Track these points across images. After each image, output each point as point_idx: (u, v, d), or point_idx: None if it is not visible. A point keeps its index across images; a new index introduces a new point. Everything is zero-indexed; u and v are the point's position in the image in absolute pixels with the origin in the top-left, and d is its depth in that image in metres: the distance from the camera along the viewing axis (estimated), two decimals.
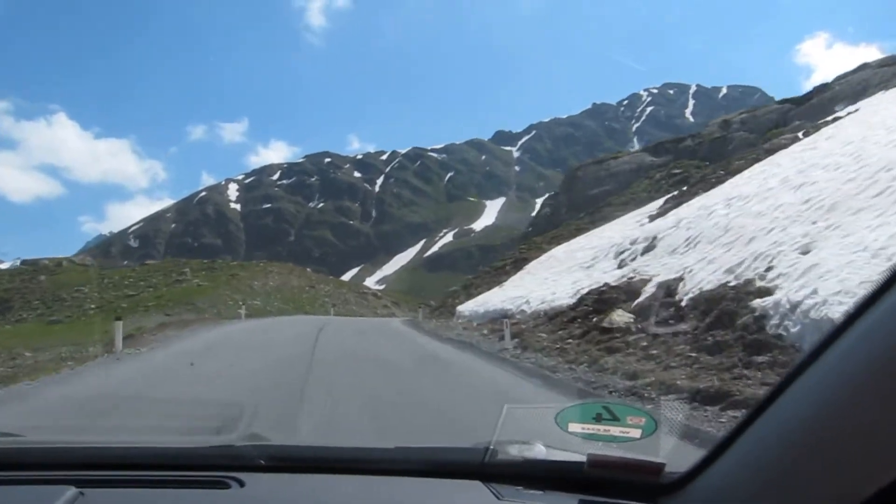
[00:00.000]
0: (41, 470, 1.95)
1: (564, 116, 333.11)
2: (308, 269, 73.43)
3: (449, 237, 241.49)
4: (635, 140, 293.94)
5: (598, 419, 1.84)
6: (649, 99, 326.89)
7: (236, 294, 49.36)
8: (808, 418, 1.21)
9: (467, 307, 29.50)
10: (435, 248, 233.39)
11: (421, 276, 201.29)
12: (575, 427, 1.85)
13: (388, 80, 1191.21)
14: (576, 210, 49.78)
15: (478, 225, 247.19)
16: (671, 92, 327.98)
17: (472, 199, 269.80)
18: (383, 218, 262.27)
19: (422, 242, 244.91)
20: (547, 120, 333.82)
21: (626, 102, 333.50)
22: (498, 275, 35.63)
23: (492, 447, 1.87)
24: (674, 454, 1.76)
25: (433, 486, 1.88)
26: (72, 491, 1.70)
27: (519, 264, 34.57)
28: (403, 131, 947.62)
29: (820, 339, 1.19)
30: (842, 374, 1.14)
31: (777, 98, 58.17)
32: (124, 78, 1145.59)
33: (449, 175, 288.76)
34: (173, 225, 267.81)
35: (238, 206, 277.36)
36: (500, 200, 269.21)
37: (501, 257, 44.32)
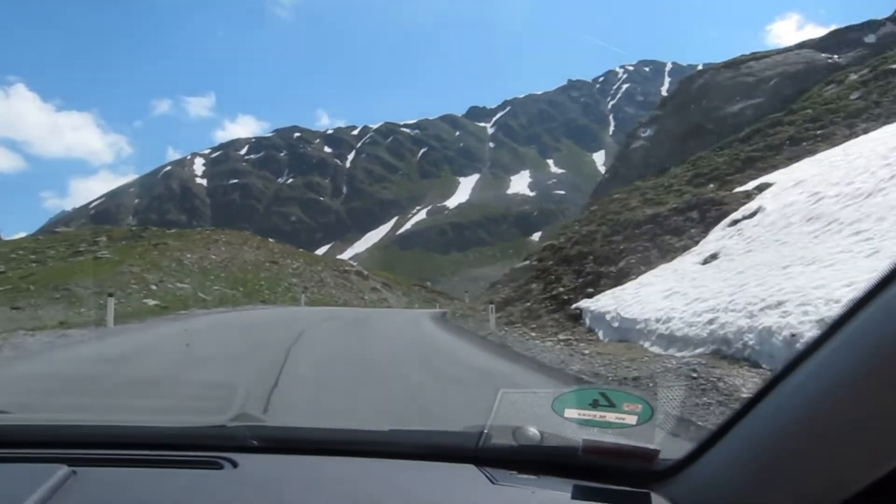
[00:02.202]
0: (32, 448, 1.84)
1: (540, 92, 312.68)
2: (271, 240, 53.93)
3: (422, 214, 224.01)
4: (611, 118, 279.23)
5: (594, 405, 1.77)
6: (625, 76, 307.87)
7: (152, 272, 30.00)
8: (801, 412, 1.18)
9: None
10: (408, 226, 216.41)
11: (394, 254, 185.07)
12: (571, 413, 1.77)
13: (360, 55, 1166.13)
14: (699, 136, 31.08)
15: (451, 202, 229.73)
16: (647, 69, 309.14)
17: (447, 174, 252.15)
18: (354, 194, 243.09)
19: (394, 219, 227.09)
20: (522, 96, 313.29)
21: (601, 79, 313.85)
22: (652, 234, 16.91)
23: (486, 431, 1.79)
24: (669, 441, 1.71)
25: (427, 469, 1.80)
26: (64, 469, 1.61)
27: (704, 211, 15.97)
28: (375, 107, 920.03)
29: (816, 334, 1.17)
30: (837, 370, 1.12)
31: None
32: (86, 49, 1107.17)
33: (422, 151, 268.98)
34: (137, 200, 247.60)
35: (204, 181, 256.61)
36: (475, 177, 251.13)
37: (602, 206, 25.08)
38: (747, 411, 1.33)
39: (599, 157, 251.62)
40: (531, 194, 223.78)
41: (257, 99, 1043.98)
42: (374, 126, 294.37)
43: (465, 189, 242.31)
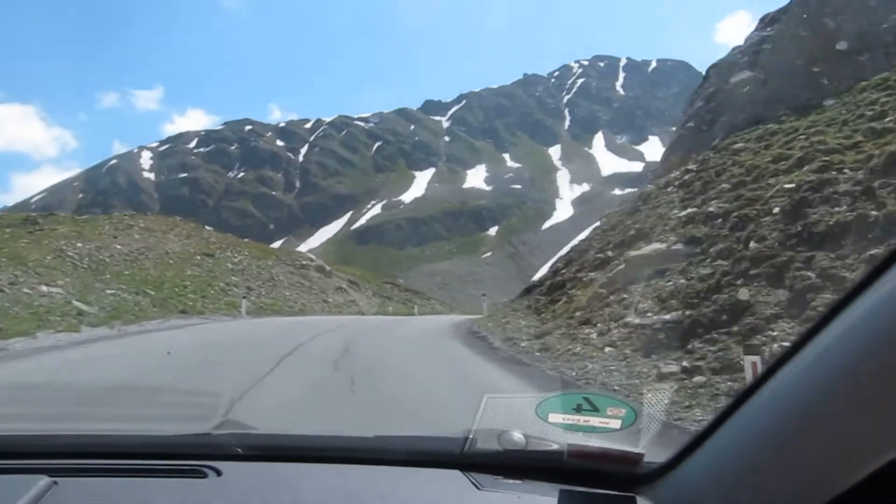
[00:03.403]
0: (12, 458, 1.79)
1: (496, 87, 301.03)
2: (207, 228, 42.77)
3: (377, 209, 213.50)
4: (567, 112, 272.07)
5: (578, 410, 1.77)
6: (580, 71, 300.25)
7: (4, 270, 18.84)
8: (785, 414, 1.16)
9: None
10: (363, 221, 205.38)
11: (350, 249, 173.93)
12: (555, 417, 1.77)
13: (313, 47, 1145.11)
14: (865, 51, 20.93)
15: (407, 196, 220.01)
16: (601, 64, 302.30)
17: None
18: (308, 189, 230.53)
19: (349, 214, 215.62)
20: (478, 90, 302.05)
21: (556, 74, 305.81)
22: None
23: (471, 436, 1.78)
24: (653, 445, 1.69)
25: (412, 475, 1.78)
26: (45, 480, 1.57)
27: None
28: (328, 100, 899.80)
29: (801, 333, 1.15)
30: (821, 371, 1.09)
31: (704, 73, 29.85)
32: (28, 39, 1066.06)
33: (377, 145, 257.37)
34: (80, 195, 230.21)
35: (152, 175, 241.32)
36: (430, 171, 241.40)
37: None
38: (731, 413, 1.31)
39: (555, 152, 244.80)
40: (487, 188, 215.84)
41: (207, 92, 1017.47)
42: (328, 119, 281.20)
43: (420, 183, 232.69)
